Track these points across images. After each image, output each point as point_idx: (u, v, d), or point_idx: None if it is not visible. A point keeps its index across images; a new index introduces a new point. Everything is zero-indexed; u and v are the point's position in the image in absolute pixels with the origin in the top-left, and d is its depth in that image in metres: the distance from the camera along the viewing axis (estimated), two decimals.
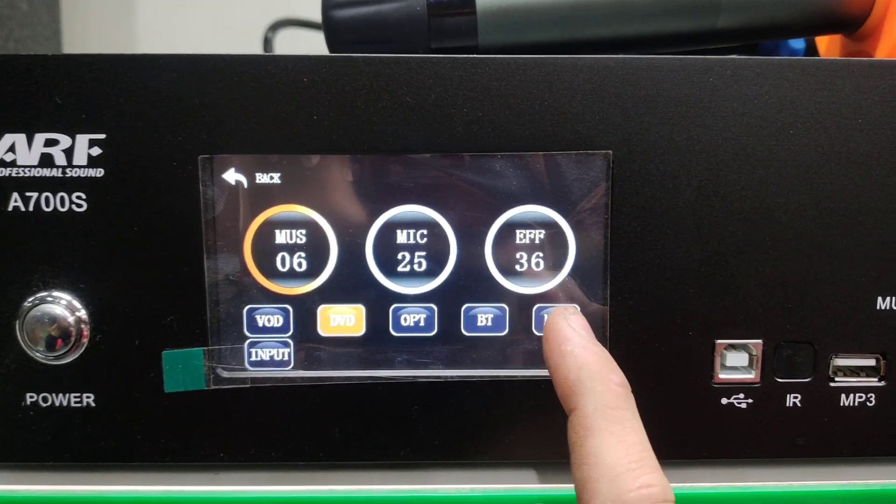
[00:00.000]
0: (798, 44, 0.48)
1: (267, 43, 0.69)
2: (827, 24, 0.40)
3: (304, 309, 0.33)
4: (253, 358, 0.33)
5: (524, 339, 0.34)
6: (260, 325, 0.33)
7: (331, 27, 0.37)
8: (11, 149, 0.31)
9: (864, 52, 0.41)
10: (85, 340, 0.32)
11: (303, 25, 0.71)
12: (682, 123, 0.32)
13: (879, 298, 0.33)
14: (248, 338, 0.33)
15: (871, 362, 0.34)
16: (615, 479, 0.25)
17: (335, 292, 0.33)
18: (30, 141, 0.31)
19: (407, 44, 0.36)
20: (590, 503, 0.25)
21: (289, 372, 0.34)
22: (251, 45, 0.71)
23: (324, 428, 0.33)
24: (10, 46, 0.63)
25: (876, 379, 0.34)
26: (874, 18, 0.39)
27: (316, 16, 0.70)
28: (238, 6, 0.76)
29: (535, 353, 0.34)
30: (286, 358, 0.34)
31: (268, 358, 0.34)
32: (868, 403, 0.34)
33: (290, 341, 0.34)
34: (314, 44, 0.72)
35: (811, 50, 0.49)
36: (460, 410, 0.34)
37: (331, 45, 0.37)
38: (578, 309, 0.32)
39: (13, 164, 0.31)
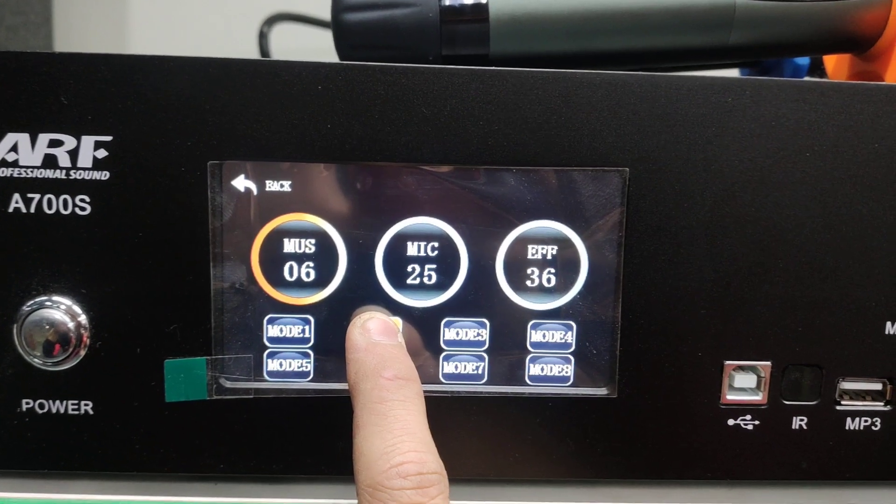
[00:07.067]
0: (803, 60, 0.48)
1: (262, 37, 0.67)
2: (838, 44, 0.39)
3: (314, 320, 0.33)
4: (270, 368, 0.33)
5: (534, 355, 0.34)
6: (272, 335, 0.33)
7: (341, 31, 0.36)
8: (14, 148, 0.30)
9: (873, 72, 0.41)
10: (84, 347, 0.31)
11: (299, 20, 0.70)
12: (698, 143, 0.32)
13: (888, 323, 0.33)
14: (268, 348, 0.33)
15: (878, 386, 0.34)
16: (370, 467, 0.26)
17: (344, 304, 0.33)
18: (33, 141, 0.30)
19: (418, 50, 0.36)
20: (357, 496, 0.26)
21: (295, 383, 0.33)
22: (246, 39, 0.69)
23: (327, 441, 0.33)
24: (2, 34, 0.61)
25: (882, 403, 0.34)
26: (885, 39, 0.38)
27: (312, 10, 0.70)
28: None
29: (546, 368, 0.34)
30: (295, 369, 0.33)
31: (278, 369, 0.33)
32: (873, 428, 0.34)
33: (304, 352, 0.33)
34: (310, 39, 0.71)
35: (816, 67, 0.49)
36: (459, 425, 0.33)
37: (340, 48, 0.36)
38: (384, 311, 0.33)
39: (15, 164, 0.30)
